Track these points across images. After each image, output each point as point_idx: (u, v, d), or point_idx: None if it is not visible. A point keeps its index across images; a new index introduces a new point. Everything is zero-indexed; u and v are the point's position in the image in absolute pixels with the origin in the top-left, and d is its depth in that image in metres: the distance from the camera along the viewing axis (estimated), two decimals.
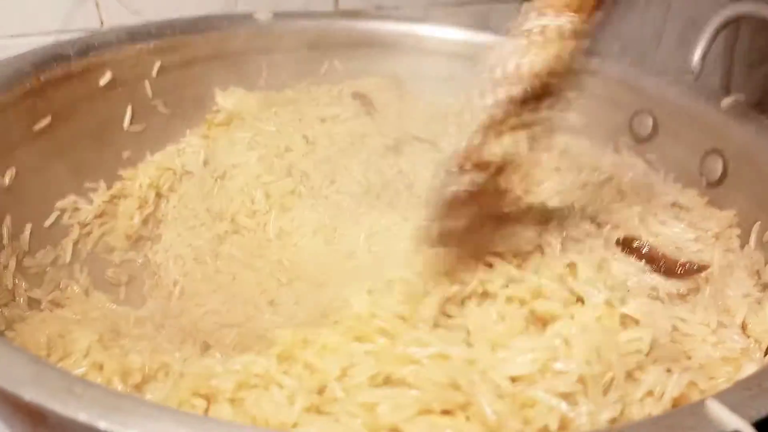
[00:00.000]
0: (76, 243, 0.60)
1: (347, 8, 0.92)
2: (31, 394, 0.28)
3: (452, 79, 0.82)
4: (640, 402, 0.37)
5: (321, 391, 0.37)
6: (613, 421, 0.35)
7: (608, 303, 0.42)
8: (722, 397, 0.30)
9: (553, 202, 0.60)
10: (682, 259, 0.50)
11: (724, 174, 0.62)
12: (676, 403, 0.37)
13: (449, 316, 0.43)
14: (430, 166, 0.69)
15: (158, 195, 0.65)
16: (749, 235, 0.57)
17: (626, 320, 0.42)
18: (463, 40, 0.81)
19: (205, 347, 0.51)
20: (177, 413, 0.27)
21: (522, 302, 0.43)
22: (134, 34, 0.69)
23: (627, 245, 0.52)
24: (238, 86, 0.76)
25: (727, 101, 0.63)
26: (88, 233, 0.61)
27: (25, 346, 0.42)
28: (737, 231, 0.58)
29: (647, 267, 0.50)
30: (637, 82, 0.71)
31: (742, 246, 0.57)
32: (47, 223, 0.59)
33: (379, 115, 0.75)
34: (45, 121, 0.59)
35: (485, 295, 0.44)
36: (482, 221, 0.46)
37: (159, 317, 0.54)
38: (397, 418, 0.34)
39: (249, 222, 0.62)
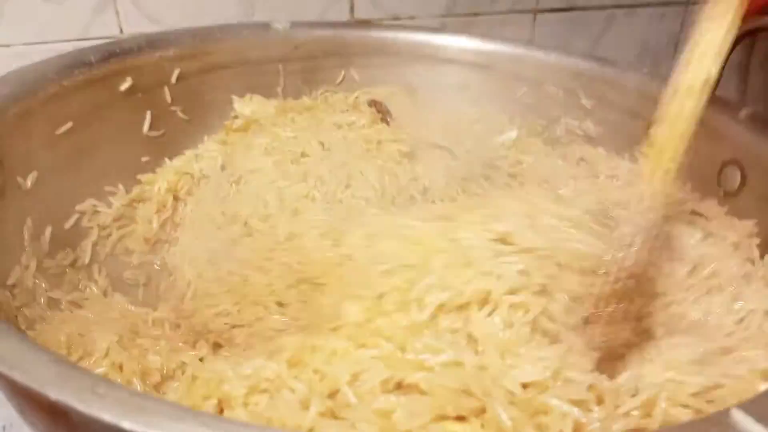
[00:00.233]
0: (95, 245, 0.60)
1: (363, 18, 0.93)
2: (55, 393, 0.28)
3: (467, 89, 0.83)
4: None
5: (332, 395, 0.37)
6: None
7: None
8: (748, 406, 0.30)
9: None
10: None
11: (743, 184, 0.62)
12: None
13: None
14: (446, 172, 0.69)
15: (176, 199, 0.66)
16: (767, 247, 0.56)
17: None
18: (479, 49, 0.82)
19: (217, 347, 0.51)
20: (200, 414, 0.28)
21: (526, 310, 0.42)
22: (154, 42, 0.70)
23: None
24: (256, 93, 0.76)
25: (744, 112, 0.63)
26: (107, 236, 0.62)
27: (45, 346, 0.42)
28: (757, 241, 0.57)
29: None
30: (654, 92, 0.70)
31: (762, 256, 0.57)
32: (67, 225, 0.59)
33: (394, 123, 0.75)
34: (67, 126, 0.60)
35: (485, 301, 0.43)
36: None
37: (173, 318, 0.54)
38: (413, 425, 0.34)
39: (261, 225, 0.63)
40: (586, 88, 0.76)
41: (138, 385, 0.39)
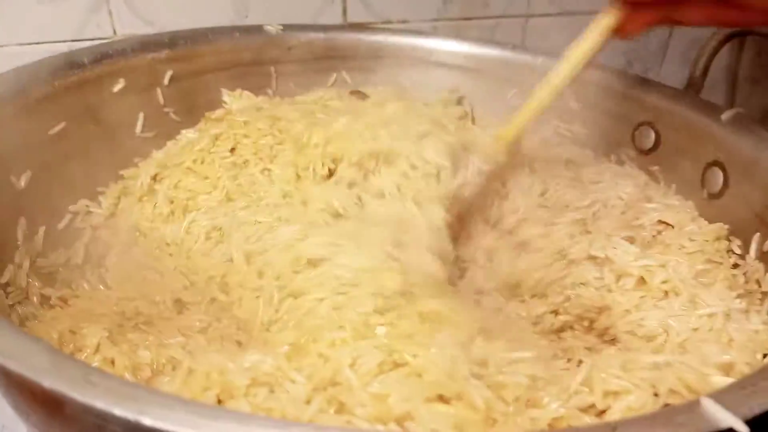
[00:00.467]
0: (87, 245, 0.61)
1: (356, 21, 0.94)
2: (49, 381, 0.29)
3: (458, 92, 0.84)
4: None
5: (333, 380, 0.38)
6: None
7: None
8: (717, 395, 0.31)
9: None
10: None
11: (725, 186, 0.63)
12: None
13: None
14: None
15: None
16: (749, 246, 0.58)
17: None
18: (469, 53, 0.83)
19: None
20: (190, 403, 0.28)
21: None
22: (147, 44, 0.71)
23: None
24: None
25: (727, 114, 0.64)
26: (99, 236, 0.62)
27: None
28: (727, 244, 0.59)
29: None
30: (640, 95, 0.72)
31: (743, 256, 0.58)
32: (60, 225, 0.60)
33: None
34: (60, 126, 0.61)
35: None
36: None
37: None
38: (406, 408, 0.35)
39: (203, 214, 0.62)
40: (574, 91, 0.77)
41: (130, 380, 0.40)
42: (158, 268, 0.57)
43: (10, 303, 0.51)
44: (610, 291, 0.52)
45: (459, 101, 0.77)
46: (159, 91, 0.71)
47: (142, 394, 0.28)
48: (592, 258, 0.55)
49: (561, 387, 0.40)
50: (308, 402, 0.36)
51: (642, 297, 0.51)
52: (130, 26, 0.85)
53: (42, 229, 0.57)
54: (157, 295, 0.54)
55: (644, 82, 0.73)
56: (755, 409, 0.31)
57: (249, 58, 0.78)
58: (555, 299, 0.53)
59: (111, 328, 0.46)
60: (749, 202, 0.60)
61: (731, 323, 0.47)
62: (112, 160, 0.67)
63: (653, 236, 0.59)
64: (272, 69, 0.80)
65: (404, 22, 0.97)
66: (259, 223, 0.58)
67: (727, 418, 0.29)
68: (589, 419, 0.37)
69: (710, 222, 0.62)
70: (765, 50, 1.11)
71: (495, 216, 0.63)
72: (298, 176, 0.63)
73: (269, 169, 0.65)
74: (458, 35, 0.86)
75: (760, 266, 0.56)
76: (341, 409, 0.36)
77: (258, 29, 0.79)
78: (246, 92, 0.76)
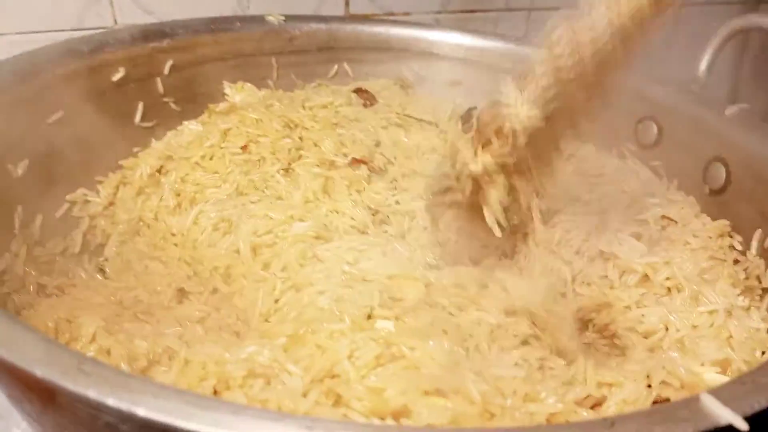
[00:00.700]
0: (85, 234, 0.60)
1: (358, 13, 0.94)
2: (42, 371, 0.28)
3: (460, 84, 0.83)
4: None
5: (331, 374, 0.38)
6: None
7: None
8: (717, 391, 0.31)
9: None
10: None
11: (728, 182, 0.62)
12: None
13: None
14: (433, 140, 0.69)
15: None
16: (750, 242, 0.57)
17: None
18: (472, 46, 0.82)
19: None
20: (185, 393, 0.28)
21: None
22: (148, 33, 0.70)
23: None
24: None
25: (731, 110, 0.64)
26: (96, 225, 0.62)
27: None
28: (729, 241, 0.59)
29: None
30: (643, 90, 0.72)
31: (743, 252, 0.57)
32: (58, 214, 0.60)
33: (379, 106, 0.76)
34: (58, 115, 0.61)
35: None
36: None
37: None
38: (403, 401, 0.35)
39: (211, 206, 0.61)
40: None
41: (125, 370, 0.40)
42: (162, 257, 0.57)
43: (6, 291, 0.50)
44: (612, 288, 0.52)
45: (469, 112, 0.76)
46: (159, 80, 0.71)
47: (136, 384, 0.28)
48: (601, 253, 0.55)
49: (557, 379, 0.40)
50: (305, 394, 0.36)
51: (643, 294, 0.51)
52: (131, 16, 0.84)
53: (39, 218, 0.57)
54: (159, 284, 0.54)
55: (647, 77, 0.73)
56: (755, 405, 0.31)
57: (250, 49, 0.78)
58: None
59: (108, 317, 0.46)
60: (751, 199, 0.59)
61: (732, 320, 0.47)
62: (110, 149, 0.66)
63: (659, 232, 0.58)
64: (273, 60, 0.79)
65: (407, 14, 0.96)
66: (271, 218, 0.57)
67: (727, 415, 0.29)
68: (586, 413, 0.37)
69: (712, 218, 0.62)
70: None
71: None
72: (325, 190, 0.62)
73: (288, 170, 0.65)
74: (461, 27, 0.86)
75: (761, 263, 0.56)
76: (338, 401, 0.36)
77: (260, 19, 0.79)
78: (248, 84, 0.76)
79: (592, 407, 0.38)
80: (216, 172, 0.64)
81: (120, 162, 0.66)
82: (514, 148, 0.47)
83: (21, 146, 0.57)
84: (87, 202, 0.62)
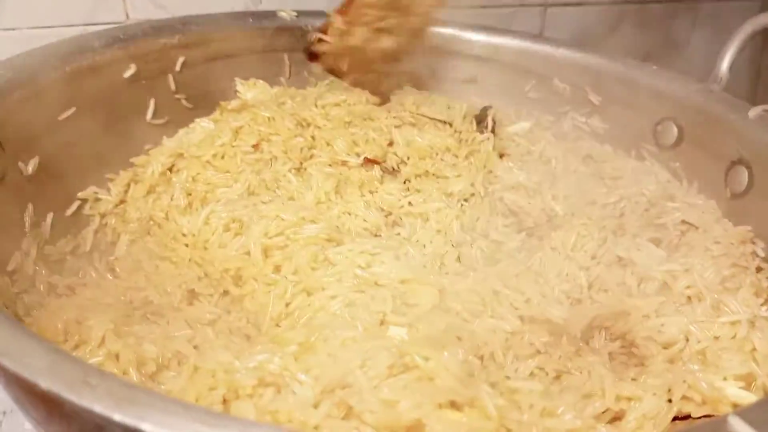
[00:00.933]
0: (96, 233, 0.60)
1: None
2: (47, 383, 0.28)
3: (475, 82, 0.82)
4: None
5: (343, 384, 0.37)
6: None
7: None
8: (745, 413, 0.30)
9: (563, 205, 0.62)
10: None
11: (750, 185, 0.61)
12: None
13: None
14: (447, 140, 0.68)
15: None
16: None
17: None
18: (487, 42, 0.81)
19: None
20: (192, 408, 0.27)
21: None
22: (159, 29, 0.70)
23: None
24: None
25: (754, 111, 0.62)
26: (107, 223, 0.61)
27: (42, 333, 0.43)
28: (752, 248, 0.57)
29: None
30: (663, 90, 0.70)
31: (766, 259, 0.56)
32: (69, 212, 0.59)
33: (392, 105, 0.74)
34: (69, 112, 0.60)
35: None
36: None
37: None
38: (417, 414, 0.34)
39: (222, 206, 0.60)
40: (594, 84, 0.75)
41: (134, 375, 0.39)
42: (172, 258, 0.56)
43: (16, 291, 0.50)
44: (630, 295, 0.51)
45: (484, 111, 0.75)
46: (171, 77, 0.70)
47: (143, 398, 0.27)
48: (618, 259, 0.54)
49: (574, 392, 0.39)
50: (316, 405, 0.35)
51: (663, 302, 0.49)
52: (143, 10, 0.84)
53: (50, 216, 0.57)
54: (169, 285, 0.53)
55: (667, 76, 0.71)
56: None
57: (262, 45, 0.77)
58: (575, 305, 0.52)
59: (117, 318, 0.45)
60: None
61: (756, 332, 0.45)
62: (122, 146, 0.66)
63: (678, 238, 0.57)
64: (286, 56, 0.78)
65: None
66: (283, 219, 0.56)
67: None
68: (604, 429, 0.36)
69: (733, 222, 0.61)
70: None
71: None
72: (337, 191, 0.61)
73: (300, 170, 0.64)
74: (475, 24, 0.84)
75: None
76: (349, 413, 0.35)
77: (272, 15, 0.78)
78: (260, 81, 0.75)
79: (610, 421, 0.37)
80: (227, 172, 0.63)
81: (131, 159, 0.66)
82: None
83: (32, 144, 0.56)
84: (98, 200, 0.62)
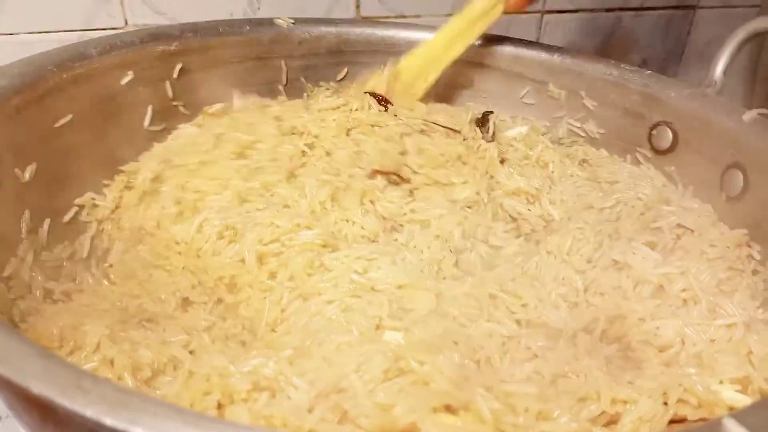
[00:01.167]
0: (93, 239, 0.60)
1: (369, 15, 0.93)
2: (39, 387, 0.28)
3: (472, 87, 0.82)
4: None
5: (338, 388, 0.37)
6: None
7: None
8: (740, 416, 0.30)
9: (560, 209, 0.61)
10: None
11: (745, 188, 0.61)
12: None
13: None
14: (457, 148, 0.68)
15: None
16: None
17: None
18: (484, 49, 0.81)
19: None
20: (184, 412, 0.27)
21: None
22: (157, 36, 0.70)
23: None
24: (258, 89, 0.76)
25: (749, 115, 0.62)
26: (104, 229, 0.61)
27: (38, 339, 0.43)
28: (748, 251, 0.57)
29: None
30: (658, 94, 0.70)
31: (762, 262, 0.56)
32: (65, 218, 0.59)
33: (393, 109, 0.74)
34: (66, 119, 0.60)
35: None
36: None
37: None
38: (412, 419, 0.34)
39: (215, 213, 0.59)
40: (589, 89, 0.75)
41: (129, 381, 0.39)
42: (165, 266, 0.56)
43: (12, 297, 0.50)
44: (625, 299, 0.51)
45: (485, 116, 0.75)
46: (168, 84, 0.70)
47: (136, 403, 0.27)
48: (614, 262, 0.54)
49: (570, 395, 0.39)
50: (310, 410, 0.35)
51: (658, 305, 0.49)
52: (142, 16, 0.84)
53: (47, 222, 0.57)
54: (163, 293, 0.53)
55: (662, 81, 0.71)
56: None
57: (259, 52, 0.77)
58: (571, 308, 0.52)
59: (113, 324, 0.45)
60: None
61: (751, 334, 0.45)
62: (119, 153, 0.66)
63: (674, 241, 0.57)
64: (283, 63, 0.79)
65: (418, 16, 0.95)
66: (277, 226, 0.56)
67: None
68: None
69: (729, 226, 0.61)
70: None
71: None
72: (333, 198, 0.60)
73: (291, 178, 0.63)
74: None
75: None
76: (344, 418, 0.35)
77: (269, 23, 0.78)
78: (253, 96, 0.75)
79: (606, 425, 0.37)
80: (216, 179, 0.62)
81: (120, 168, 0.65)
82: None
83: (29, 150, 0.56)
84: (95, 206, 0.62)
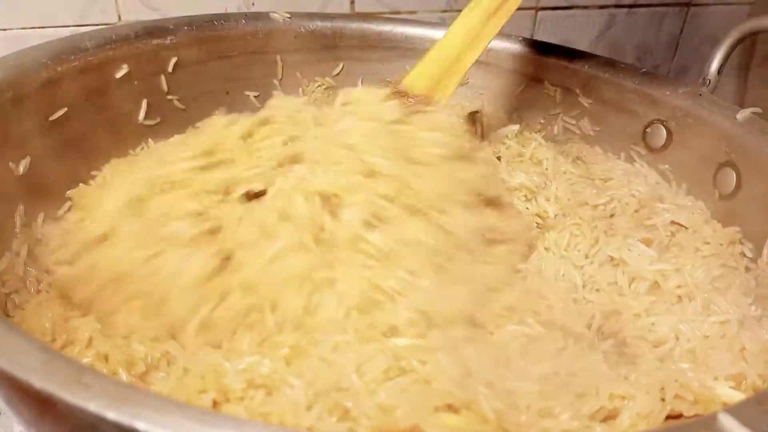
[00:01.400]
0: None
1: (364, 11, 0.93)
2: (40, 382, 0.28)
3: (466, 84, 0.82)
4: None
5: (338, 387, 0.37)
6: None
7: None
8: (735, 411, 0.30)
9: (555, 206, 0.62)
10: None
11: (738, 187, 0.61)
12: None
13: None
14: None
15: None
16: (761, 250, 0.56)
17: None
18: None
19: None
20: (185, 407, 0.27)
21: None
22: (151, 30, 0.70)
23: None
24: (253, 84, 0.77)
25: (743, 114, 0.62)
26: None
27: (31, 332, 0.42)
28: (740, 248, 0.58)
29: None
30: (652, 93, 0.71)
31: (754, 260, 0.57)
32: (60, 212, 0.59)
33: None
34: (60, 112, 0.60)
35: None
36: None
37: None
38: (414, 420, 0.34)
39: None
40: (584, 87, 0.75)
41: (123, 376, 0.39)
42: None
43: (6, 292, 0.50)
44: (621, 295, 0.51)
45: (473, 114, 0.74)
46: (163, 78, 0.70)
47: (137, 397, 0.27)
48: (610, 259, 0.54)
49: (569, 392, 0.39)
50: (309, 408, 0.35)
51: (653, 301, 0.50)
52: (135, 12, 0.84)
53: (41, 216, 0.56)
54: None
55: (657, 79, 0.72)
56: None
57: (254, 47, 0.77)
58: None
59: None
60: (763, 205, 0.58)
61: (745, 331, 0.46)
62: (114, 147, 0.66)
63: (669, 239, 0.57)
64: (278, 57, 0.78)
65: (412, 12, 0.95)
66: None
67: None
68: (600, 429, 0.36)
69: (722, 223, 0.61)
70: None
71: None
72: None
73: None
74: None
75: None
76: (344, 416, 0.35)
77: (264, 17, 0.78)
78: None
79: (604, 420, 0.38)
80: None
81: (93, 172, 0.63)
82: None
83: (23, 144, 0.56)
84: None
